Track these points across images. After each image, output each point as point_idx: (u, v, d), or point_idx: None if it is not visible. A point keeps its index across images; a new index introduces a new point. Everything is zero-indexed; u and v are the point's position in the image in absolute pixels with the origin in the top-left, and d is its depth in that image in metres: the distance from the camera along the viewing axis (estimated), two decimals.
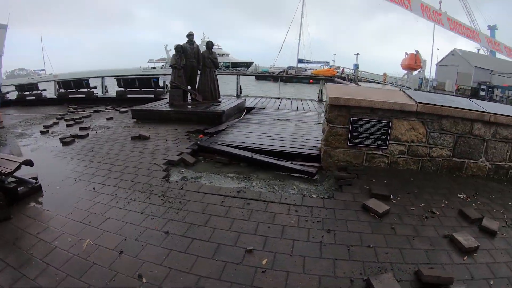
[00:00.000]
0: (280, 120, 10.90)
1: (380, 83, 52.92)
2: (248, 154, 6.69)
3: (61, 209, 4.82)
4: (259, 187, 5.24)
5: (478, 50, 52.57)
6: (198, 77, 12.77)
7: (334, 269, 3.16)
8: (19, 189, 5.17)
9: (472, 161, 5.50)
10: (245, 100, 13.96)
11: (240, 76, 17.99)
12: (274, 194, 4.78)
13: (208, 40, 12.69)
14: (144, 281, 3.32)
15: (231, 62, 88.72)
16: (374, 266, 3.21)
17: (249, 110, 12.82)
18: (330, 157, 5.62)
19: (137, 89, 15.33)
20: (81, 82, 17.13)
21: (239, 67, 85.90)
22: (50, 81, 22.90)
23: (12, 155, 6.92)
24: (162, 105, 12.00)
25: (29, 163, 5.30)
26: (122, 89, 15.48)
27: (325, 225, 3.92)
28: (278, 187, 5.20)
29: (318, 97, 16.87)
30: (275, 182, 5.47)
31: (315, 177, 5.61)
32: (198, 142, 7.79)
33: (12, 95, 22.39)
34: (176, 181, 5.85)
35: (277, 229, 3.86)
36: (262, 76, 61.15)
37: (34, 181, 5.43)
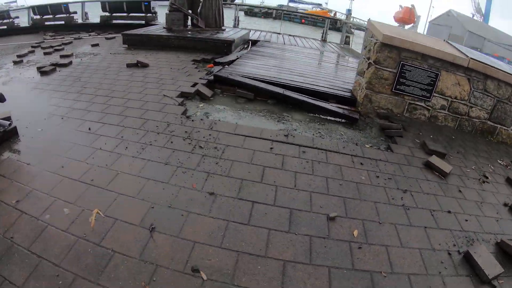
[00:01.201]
0: (295, 54, 9.38)
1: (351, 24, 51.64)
2: (279, 89, 5.54)
3: (47, 161, 3.35)
4: (303, 130, 4.49)
5: (473, 15, 52.32)
6: (200, 1, 10.75)
7: (429, 240, 2.77)
8: None
9: (504, 127, 5.41)
10: (249, 31, 12.04)
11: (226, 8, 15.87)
12: (327, 141, 4.14)
13: None
14: (205, 278, 2.08)
15: None
16: (462, 235, 2.91)
17: (254, 43, 11.04)
18: (370, 102, 5.21)
19: (125, 14, 13.07)
20: (59, 7, 14.69)
21: None
22: (24, 8, 20.29)
23: None
24: (158, 30, 10.07)
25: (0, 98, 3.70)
26: (107, 13, 13.19)
27: (398, 184, 3.46)
28: (324, 132, 4.51)
29: (322, 37, 15.02)
30: (316, 125, 4.76)
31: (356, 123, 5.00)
32: (213, 72, 6.21)
33: None
34: (201, 119, 4.40)
35: (351, 187, 3.26)
36: (251, 12, 57.00)
37: (7, 122, 3.85)
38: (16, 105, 4.73)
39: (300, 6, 66.92)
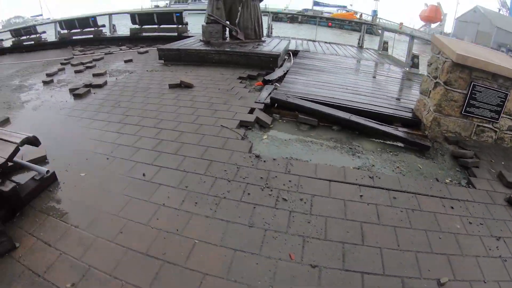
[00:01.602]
0: (340, 66, 8.80)
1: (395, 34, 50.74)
2: (344, 114, 4.99)
3: (100, 223, 2.71)
4: (381, 165, 4.00)
5: (499, 10, 50.65)
6: (239, 11, 10.11)
7: None
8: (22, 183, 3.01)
9: None
10: (289, 41, 11.32)
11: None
12: (411, 181, 3.65)
13: None
14: None
15: None
16: None
17: (293, 53, 10.33)
18: (438, 126, 4.83)
19: (156, 26, 12.59)
20: (86, 20, 14.40)
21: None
22: (50, 23, 20.28)
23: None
24: (195, 43, 9.46)
25: (33, 141, 3.05)
26: (137, 26, 12.73)
27: (491, 229, 3.04)
28: (403, 167, 4.02)
29: (358, 43, 14.17)
30: (390, 157, 4.27)
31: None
32: (269, 94, 5.56)
33: (8, 43, 20.12)
34: (274, 159, 3.68)
35: (451, 240, 2.85)
36: (277, 17, 56.76)
37: (44, 169, 3.18)
38: (50, 139, 4.15)
39: (325, 9, 66.30)
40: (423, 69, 9.91)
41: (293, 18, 46.06)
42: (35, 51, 15.30)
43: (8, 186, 2.84)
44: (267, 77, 7.00)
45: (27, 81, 8.57)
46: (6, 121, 5.34)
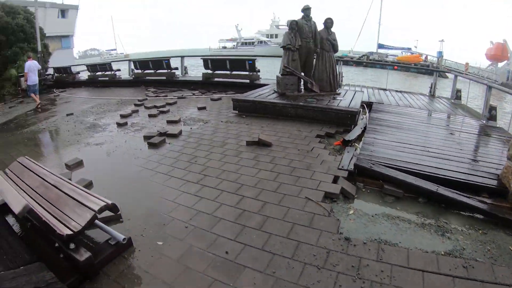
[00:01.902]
0: (416, 121, 8.28)
1: (462, 74, 49.68)
2: (431, 186, 4.58)
3: None
4: (472, 249, 3.54)
5: None
6: (314, 62, 10.10)
7: None
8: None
9: None
10: (363, 93, 11.05)
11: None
12: (506, 272, 3.10)
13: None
14: None
15: None
16: None
17: (367, 105, 10.01)
18: None
19: (228, 72, 12.86)
20: (160, 62, 15.28)
21: None
22: (125, 60, 21.73)
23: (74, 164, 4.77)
24: (269, 94, 9.54)
25: (111, 208, 2.98)
26: (209, 71, 13.17)
27: None
28: (495, 251, 3.49)
29: (430, 91, 13.51)
30: (480, 236, 3.76)
31: None
32: (355, 161, 5.26)
33: (84, 75, 21.69)
34: (364, 242, 3.36)
35: None
36: (342, 60, 57.18)
37: (121, 236, 3.08)
38: (125, 194, 4.14)
39: (390, 52, 65.97)
40: (503, 123, 9.29)
41: (358, 62, 46.18)
42: (109, 87, 16.35)
43: (83, 255, 2.77)
44: (347, 137, 6.74)
45: (101, 119, 8.98)
46: (79, 164, 5.51)
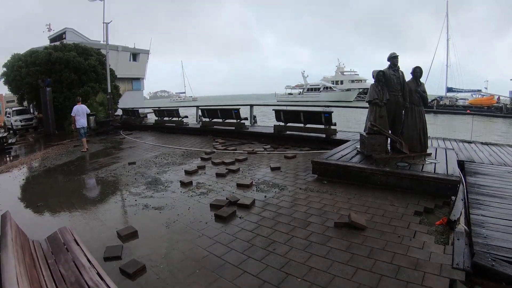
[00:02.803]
0: None
1: None
2: None
3: None
4: None
5: None
6: (402, 119, 8.81)
7: None
8: None
9: None
10: (454, 150, 9.44)
11: None
12: None
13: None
14: None
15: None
16: None
17: (458, 164, 8.39)
18: None
19: (301, 125, 11.86)
20: (229, 112, 14.69)
21: None
22: (192, 106, 21.66)
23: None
24: (352, 155, 8.29)
25: None
26: (282, 123, 12.24)
27: None
28: None
29: None
30: None
31: None
32: (470, 254, 3.87)
33: (151, 116, 21.88)
34: None
35: None
36: None
37: None
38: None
39: (459, 95, 62.48)
40: None
41: (428, 108, 44.01)
42: (175, 134, 15.96)
43: None
44: (451, 217, 5.34)
45: (164, 174, 8.29)
46: (133, 235, 4.62)
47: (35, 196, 7.43)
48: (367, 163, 7.51)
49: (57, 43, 22.79)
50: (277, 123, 13.25)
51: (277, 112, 13.10)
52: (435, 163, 7.53)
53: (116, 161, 10.63)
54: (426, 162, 7.61)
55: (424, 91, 8.65)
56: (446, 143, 11.23)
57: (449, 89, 63.77)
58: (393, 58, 8.58)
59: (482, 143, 11.91)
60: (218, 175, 7.95)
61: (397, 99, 8.49)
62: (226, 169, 8.36)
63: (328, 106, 17.50)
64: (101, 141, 16.02)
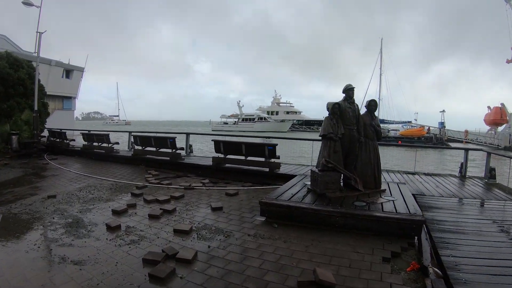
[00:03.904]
0: (487, 223, 6.53)
1: (461, 141, 50.58)
2: None
3: None
4: None
5: None
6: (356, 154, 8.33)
7: None
8: None
9: None
10: (405, 184, 9.15)
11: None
12: None
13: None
14: None
15: (304, 120, 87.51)
16: None
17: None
18: None
19: (243, 158, 11.06)
20: (164, 140, 13.43)
21: (312, 125, 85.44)
22: (125, 132, 20.16)
23: None
24: (303, 193, 7.54)
25: None
26: (221, 155, 11.37)
27: None
28: None
29: (460, 171, 11.78)
30: None
31: None
32: None
33: (79, 141, 19.90)
34: None
35: None
36: None
37: None
38: None
39: (391, 126, 66.15)
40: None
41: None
42: (105, 161, 14.51)
43: None
44: (424, 262, 4.88)
45: (88, 213, 7.05)
46: None
47: None
48: (322, 203, 6.80)
49: None
50: (216, 155, 12.29)
51: (217, 143, 12.16)
52: (393, 201, 7.06)
53: (35, 193, 9.02)
54: (384, 200, 7.06)
55: (379, 125, 8.33)
56: (391, 176, 10.96)
57: (381, 121, 67.29)
58: (348, 90, 8.15)
59: (425, 174, 11.83)
60: (151, 216, 6.79)
61: (352, 133, 8.04)
62: (160, 209, 7.23)
63: (268, 138, 16.85)
64: (22, 165, 13.98)
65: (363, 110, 8.45)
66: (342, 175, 7.85)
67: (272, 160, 11.27)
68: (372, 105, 8.34)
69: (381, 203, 6.90)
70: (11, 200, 8.23)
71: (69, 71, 36.55)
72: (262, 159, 11.38)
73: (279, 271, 4.55)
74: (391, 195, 7.59)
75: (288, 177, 9.91)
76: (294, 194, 7.45)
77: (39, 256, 5.00)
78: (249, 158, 11.64)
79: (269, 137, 16.52)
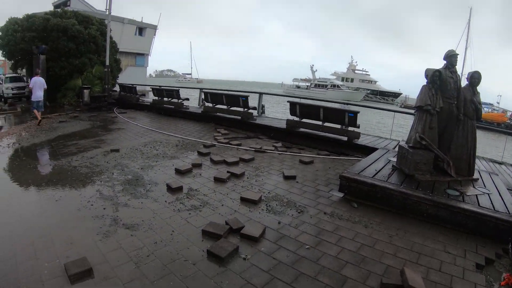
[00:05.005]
0: None
1: None
2: None
3: None
4: None
5: None
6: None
7: None
8: None
9: None
10: (498, 176, 7.65)
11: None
12: None
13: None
14: None
15: (379, 91, 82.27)
16: None
17: None
18: None
19: (320, 123, 10.01)
20: (236, 98, 12.75)
21: (387, 97, 79.15)
22: (196, 88, 19.91)
23: None
24: (388, 172, 6.51)
25: None
26: (296, 118, 10.40)
27: None
28: None
29: None
30: None
31: None
32: None
33: (149, 96, 20.07)
34: None
35: None
36: None
37: None
38: None
39: None
40: None
41: None
42: (173, 117, 14.24)
43: None
44: None
45: (149, 170, 6.63)
46: (85, 275, 2.91)
47: None
48: (411, 187, 5.73)
49: (59, 9, 20.85)
50: (291, 118, 11.40)
51: (293, 105, 11.23)
52: (488, 194, 5.78)
53: (98, 146, 8.90)
54: (478, 192, 5.83)
55: (480, 103, 6.89)
56: (477, 163, 9.49)
57: None
58: (451, 57, 6.78)
59: (491, 161, 10.16)
60: (217, 180, 6.21)
61: (451, 108, 6.71)
62: (227, 171, 6.64)
63: (346, 104, 15.65)
64: (91, 118, 14.23)
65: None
66: (434, 155, 6.67)
67: (351, 128, 10.17)
68: (475, 77, 6.89)
69: (476, 195, 5.69)
70: (74, 152, 8.13)
71: (142, 29, 37.59)
72: (339, 127, 10.34)
73: (360, 265, 3.73)
74: (485, 186, 6.32)
75: (368, 150, 8.87)
76: (378, 171, 6.44)
77: (90, 215, 4.63)
78: (326, 124, 10.65)
79: (346, 103, 15.23)
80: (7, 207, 4.88)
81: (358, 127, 10.05)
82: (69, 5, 30.46)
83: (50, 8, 30.90)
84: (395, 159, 7.13)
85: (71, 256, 3.53)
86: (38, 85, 12.64)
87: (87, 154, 8.00)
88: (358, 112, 10.10)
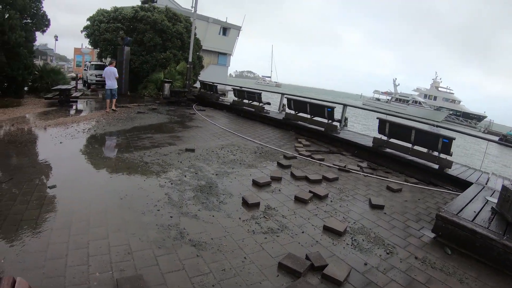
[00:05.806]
0: None
1: None
2: None
3: None
4: None
5: None
6: None
7: None
8: None
9: None
10: None
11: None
12: None
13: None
14: None
15: (462, 112, 76.26)
16: None
17: None
18: None
19: (409, 146, 9.13)
20: (321, 108, 12.14)
21: (471, 119, 72.45)
22: (276, 93, 19.65)
23: None
24: (488, 216, 5.52)
25: None
26: (384, 137, 9.52)
27: None
28: None
29: None
30: None
31: None
32: None
33: (230, 96, 20.11)
34: None
35: None
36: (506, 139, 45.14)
37: None
38: None
39: None
40: None
41: None
42: (253, 120, 14.00)
43: None
44: None
45: (225, 178, 6.38)
46: None
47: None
48: None
49: (146, 5, 21.81)
50: (378, 136, 10.56)
51: (382, 122, 10.35)
52: None
53: (173, 143, 8.82)
54: None
55: None
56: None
57: None
58: None
59: None
60: (298, 199, 5.72)
61: None
62: (309, 191, 6.11)
63: (436, 126, 14.32)
64: (169, 112, 14.44)
65: None
66: None
67: (444, 156, 9.10)
68: None
69: None
70: (147, 146, 8.09)
71: (226, 29, 38.86)
72: (426, 151, 9.33)
73: None
74: None
75: (460, 182, 7.88)
76: (477, 214, 5.52)
77: (154, 222, 4.36)
78: (416, 147, 9.67)
79: (435, 125, 13.84)
80: (67, 199, 4.75)
81: (451, 155, 8.98)
82: (155, 1, 31.86)
83: (138, 3, 32.68)
84: (492, 199, 6.17)
85: (126, 270, 3.26)
86: (108, 74, 13.14)
87: (161, 150, 7.90)
88: (453, 138, 9.01)
